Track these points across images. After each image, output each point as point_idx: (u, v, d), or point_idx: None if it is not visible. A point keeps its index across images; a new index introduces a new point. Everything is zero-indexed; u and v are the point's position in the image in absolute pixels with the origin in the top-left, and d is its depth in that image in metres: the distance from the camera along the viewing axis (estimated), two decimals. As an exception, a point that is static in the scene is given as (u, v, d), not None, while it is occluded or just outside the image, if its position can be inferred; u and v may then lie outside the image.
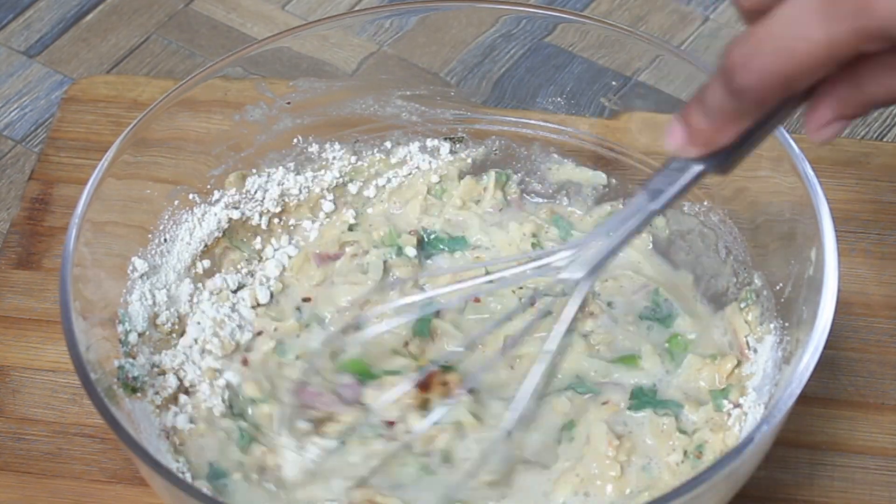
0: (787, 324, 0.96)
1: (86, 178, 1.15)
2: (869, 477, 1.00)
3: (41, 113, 1.25)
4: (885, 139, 1.20)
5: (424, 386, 0.96)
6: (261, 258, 1.06)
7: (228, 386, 0.99)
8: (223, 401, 0.98)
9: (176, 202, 1.03)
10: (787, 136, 0.95)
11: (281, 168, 1.06)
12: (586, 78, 1.10)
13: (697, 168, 0.82)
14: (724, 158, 0.81)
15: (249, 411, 0.98)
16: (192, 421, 0.97)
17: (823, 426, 1.02)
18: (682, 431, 0.96)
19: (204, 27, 1.30)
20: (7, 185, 1.20)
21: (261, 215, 1.06)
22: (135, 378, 0.96)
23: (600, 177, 1.09)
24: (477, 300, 1.03)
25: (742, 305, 1.01)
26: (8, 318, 1.09)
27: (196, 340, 1.00)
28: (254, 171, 1.05)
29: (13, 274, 1.11)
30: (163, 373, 0.98)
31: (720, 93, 0.77)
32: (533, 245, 1.07)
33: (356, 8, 1.31)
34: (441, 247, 1.07)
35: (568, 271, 0.88)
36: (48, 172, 1.17)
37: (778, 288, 0.98)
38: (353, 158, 1.08)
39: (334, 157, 1.07)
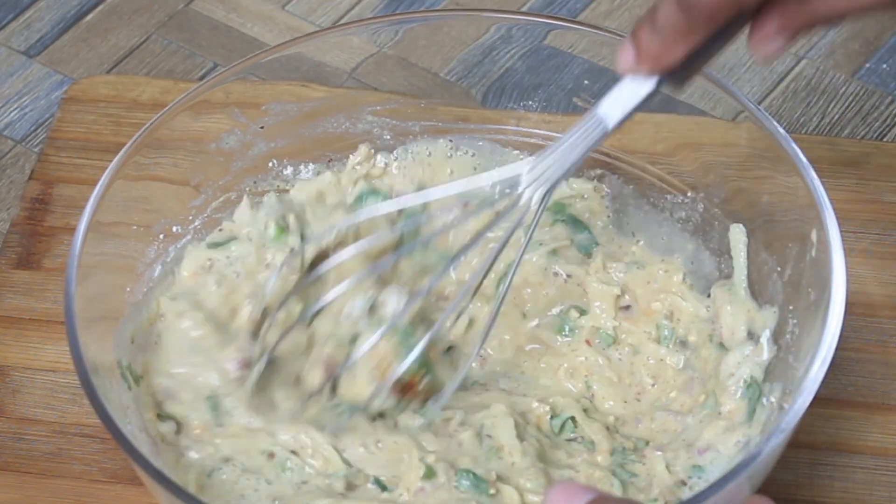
0: (791, 306, 0.96)
1: (86, 177, 1.16)
2: (869, 477, 1.01)
3: (41, 113, 1.25)
4: (885, 139, 1.20)
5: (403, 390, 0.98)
6: None
7: None
8: None
9: (161, 236, 1.03)
10: (778, 126, 0.96)
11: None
12: (577, 79, 1.10)
13: (650, 85, 0.84)
14: (676, 75, 0.83)
15: None
16: None
17: (823, 426, 1.02)
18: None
19: (204, 27, 1.30)
20: (7, 185, 1.20)
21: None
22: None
23: None
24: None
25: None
26: (8, 318, 1.09)
27: None
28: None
29: (13, 274, 1.11)
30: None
31: (671, 9, 0.79)
32: None
33: (354, 9, 1.31)
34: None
35: (528, 188, 0.90)
36: (48, 172, 1.17)
37: (778, 270, 0.98)
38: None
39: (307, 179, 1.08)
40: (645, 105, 0.85)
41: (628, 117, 0.86)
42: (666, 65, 0.82)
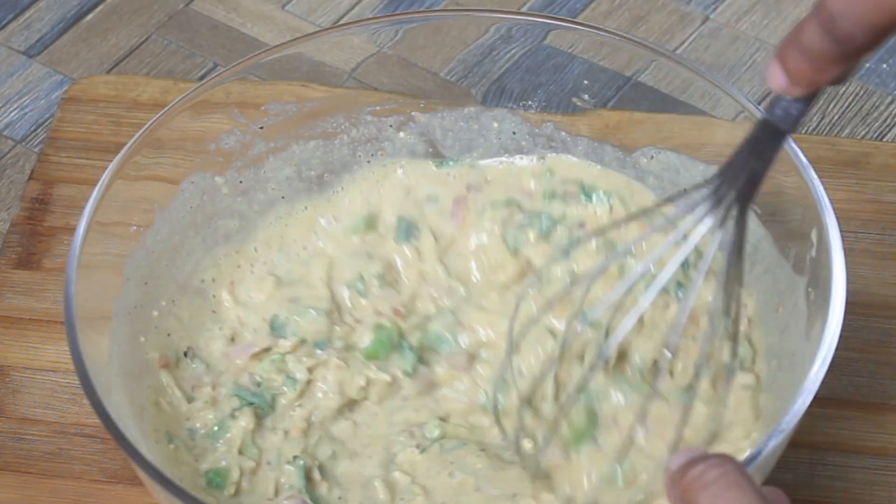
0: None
1: (86, 177, 1.16)
2: (869, 477, 1.01)
3: (41, 113, 1.25)
4: (885, 139, 1.20)
5: None
6: None
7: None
8: None
9: None
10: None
11: None
12: (577, 79, 1.10)
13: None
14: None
15: None
16: None
17: (823, 426, 1.02)
18: None
19: (204, 27, 1.30)
20: (7, 185, 1.20)
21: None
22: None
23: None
24: None
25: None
26: (8, 318, 1.09)
27: None
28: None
29: (13, 274, 1.11)
30: None
31: (819, 37, 0.76)
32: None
33: (354, 8, 1.31)
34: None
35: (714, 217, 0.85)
36: (48, 172, 1.17)
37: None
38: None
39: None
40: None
41: (804, 118, 0.83)
42: (820, 85, 0.79)
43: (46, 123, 1.23)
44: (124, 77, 1.23)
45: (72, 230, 0.96)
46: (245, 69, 1.03)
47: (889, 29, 0.75)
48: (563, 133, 1.07)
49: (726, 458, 0.76)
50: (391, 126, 1.08)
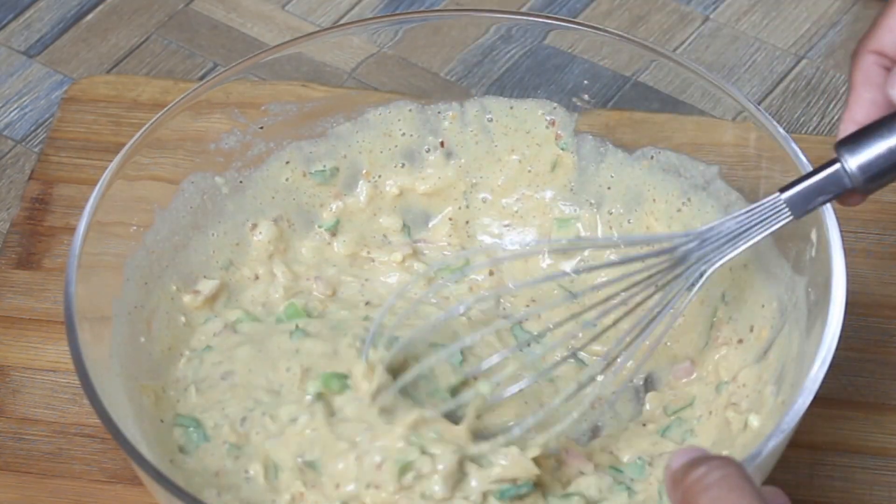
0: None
1: (86, 177, 1.16)
2: (869, 477, 1.01)
3: (41, 113, 1.25)
4: (885, 139, 1.20)
5: None
6: None
7: None
8: None
9: None
10: (778, 126, 0.97)
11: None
12: (577, 79, 1.10)
13: (836, 169, 0.87)
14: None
15: None
16: None
17: (823, 426, 1.02)
18: None
19: (204, 27, 1.30)
20: (7, 185, 1.20)
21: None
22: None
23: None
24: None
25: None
26: (8, 318, 1.09)
27: None
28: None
29: (13, 274, 1.11)
30: None
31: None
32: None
33: (354, 8, 1.31)
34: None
35: (694, 263, 0.90)
36: (48, 172, 1.17)
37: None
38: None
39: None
40: (837, 196, 0.88)
41: (816, 207, 0.88)
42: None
43: (46, 123, 1.23)
44: (124, 77, 1.23)
45: (72, 230, 0.96)
46: (245, 69, 1.03)
47: None
48: (563, 133, 1.07)
49: (728, 460, 0.76)
50: (391, 126, 1.08)
